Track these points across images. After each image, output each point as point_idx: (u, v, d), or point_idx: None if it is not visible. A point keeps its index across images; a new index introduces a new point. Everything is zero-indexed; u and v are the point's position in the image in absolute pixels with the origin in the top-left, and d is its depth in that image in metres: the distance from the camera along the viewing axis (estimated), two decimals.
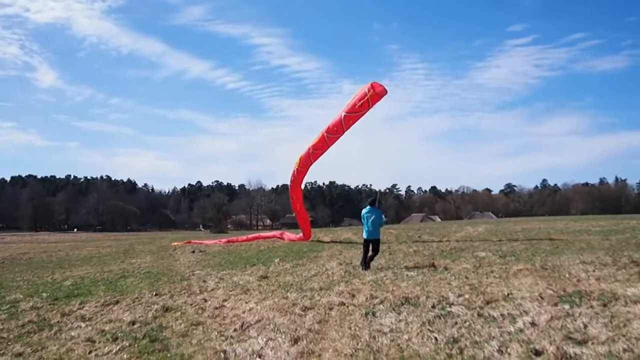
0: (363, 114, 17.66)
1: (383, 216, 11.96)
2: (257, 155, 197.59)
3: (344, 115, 17.87)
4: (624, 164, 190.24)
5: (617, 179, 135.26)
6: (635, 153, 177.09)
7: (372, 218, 11.51)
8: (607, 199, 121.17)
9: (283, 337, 6.25)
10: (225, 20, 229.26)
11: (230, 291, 10.00)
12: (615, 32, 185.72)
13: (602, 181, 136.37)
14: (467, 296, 7.37)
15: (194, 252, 20.52)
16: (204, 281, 11.72)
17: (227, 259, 16.80)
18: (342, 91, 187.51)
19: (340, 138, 18.94)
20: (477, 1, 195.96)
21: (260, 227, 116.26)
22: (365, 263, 11.50)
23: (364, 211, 11.77)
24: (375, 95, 16.80)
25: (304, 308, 7.73)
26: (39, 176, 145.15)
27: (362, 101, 17.08)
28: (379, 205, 12.17)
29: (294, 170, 21.31)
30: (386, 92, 17.03)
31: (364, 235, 11.70)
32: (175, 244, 27.41)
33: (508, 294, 7.24)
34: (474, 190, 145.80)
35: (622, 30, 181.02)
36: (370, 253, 11.60)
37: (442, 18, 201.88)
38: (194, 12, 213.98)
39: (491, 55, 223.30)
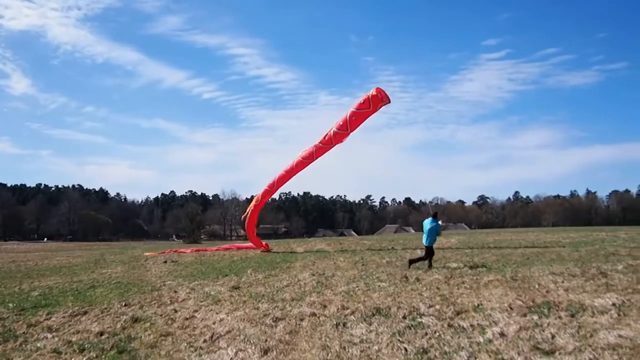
0: (367, 115, 18.58)
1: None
2: (232, 166, 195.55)
3: (350, 113, 18.72)
4: (594, 177, 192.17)
5: (587, 191, 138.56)
6: (606, 166, 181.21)
7: (429, 228, 12.77)
8: (577, 211, 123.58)
9: (253, 348, 6.20)
10: (202, 30, 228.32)
11: (201, 302, 9.90)
12: (586, 48, 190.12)
13: (573, 194, 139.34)
14: (437, 307, 7.44)
15: (165, 262, 20.18)
16: (175, 292, 11.57)
17: (200, 270, 16.58)
18: (317, 102, 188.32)
19: (345, 139, 19.61)
20: (452, 15, 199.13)
21: (234, 238, 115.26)
22: (411, 262, 13.09)
23: (425, 221, 13.15)
24: (376, 97, 17.75)
25: (275, 319, 7.70)
26: (8, 184, 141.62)
27: (364, 99, 18.12)
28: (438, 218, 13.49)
29: (293, 162, 20.95)
30: (388, 99, 18.03)
31: (423, 241, 13.11)
32: (148, 254, 26.90)
33: (478, 305, 7.33)
34: (448, 202, 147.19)
35: (593, 46, 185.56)
36: (420, 255, 13.31)
37: (417, 31, 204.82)
38: (171, 22, 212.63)
39: (465, 69, 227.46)
